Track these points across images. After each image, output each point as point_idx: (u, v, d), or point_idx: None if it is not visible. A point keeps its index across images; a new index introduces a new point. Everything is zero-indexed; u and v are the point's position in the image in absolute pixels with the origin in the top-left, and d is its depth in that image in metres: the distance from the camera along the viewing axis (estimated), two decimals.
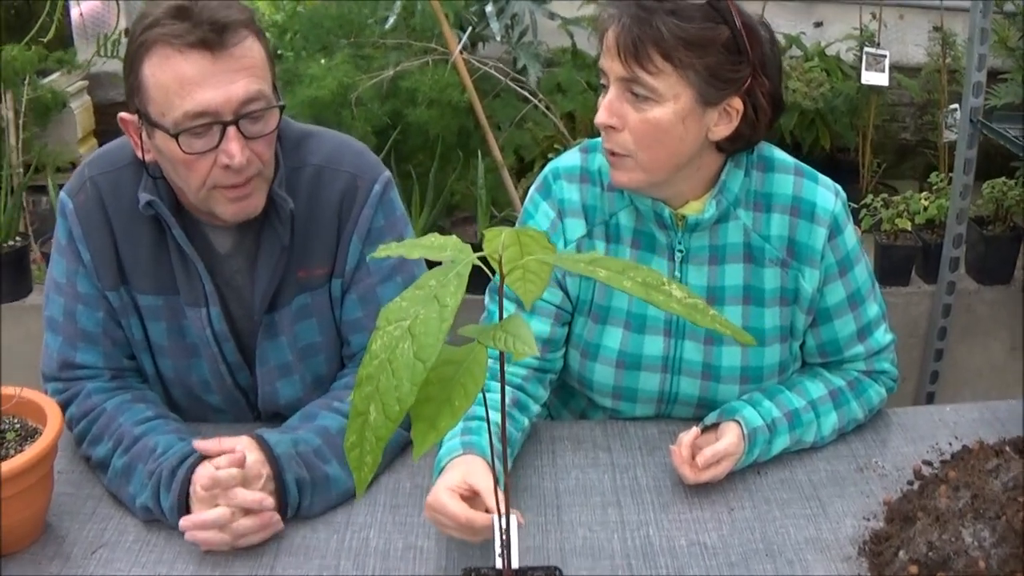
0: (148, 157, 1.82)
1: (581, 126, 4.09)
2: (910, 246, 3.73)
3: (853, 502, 1.85)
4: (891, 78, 4.12)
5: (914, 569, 1.63)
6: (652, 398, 2.02)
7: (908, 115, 4.87)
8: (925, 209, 3.69)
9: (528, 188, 3.98)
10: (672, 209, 1.91)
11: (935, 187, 3.79)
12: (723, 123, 1.83)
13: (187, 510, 1.72)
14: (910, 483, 1.90)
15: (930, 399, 3.71)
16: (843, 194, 1.98)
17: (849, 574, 1.68)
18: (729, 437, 1.85)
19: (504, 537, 1.36)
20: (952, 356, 3.75)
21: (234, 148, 1.73)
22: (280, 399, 2.00)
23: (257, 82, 1.75)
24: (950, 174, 3.67)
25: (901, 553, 1.67)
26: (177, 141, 1.71)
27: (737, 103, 1.81)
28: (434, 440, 1.06)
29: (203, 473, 1.70)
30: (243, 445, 1.74)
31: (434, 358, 1.03)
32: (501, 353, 1.23)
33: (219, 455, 1.72)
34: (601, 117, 1.82)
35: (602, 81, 1.84)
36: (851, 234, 1.98)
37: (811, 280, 1.94)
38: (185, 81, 1.69)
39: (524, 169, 4.07)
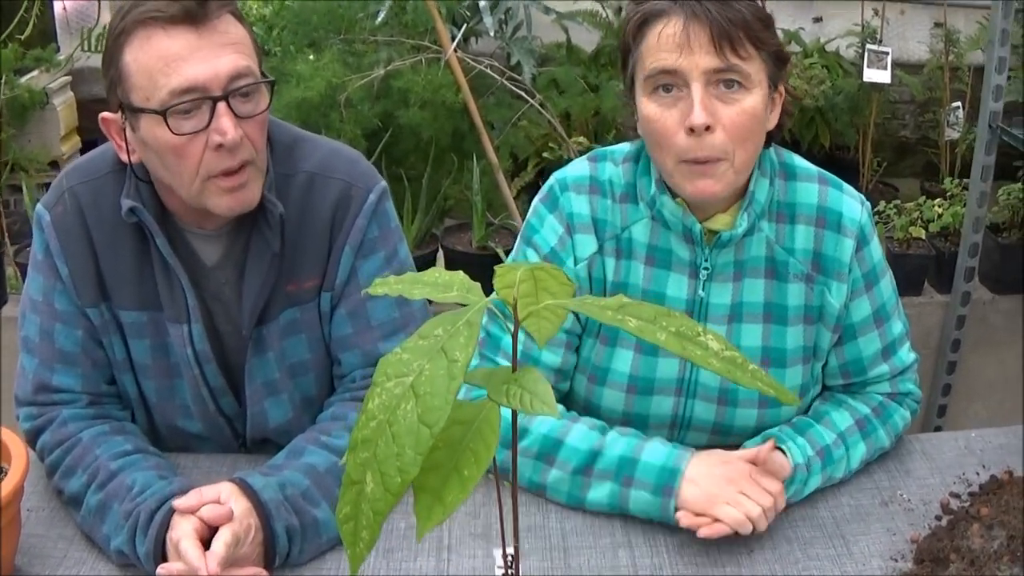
0: (133, 158, 1.71)
1: (577, 124, 3.97)
2: (923, 254, 3.61)
3: (879, 540, 1.73)
4: (892, 75, 4.01)
5: None
6: (664, 423, 1.90)
7: (908, 113, 4.76)
8: (939, 216, 3.57)
9: (522, 190, 3.99)
10: (700, 223, 1.79)
11: (949, 193, 3.67)
12: (774, 111, 1.74)
13: (164, 558, 1.59)
14: (938, 518, 1.79)
15: (942, 412, 3.59)
16: (868, 204, 1.87)
17: None
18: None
19: None
20: (964, 368, 3.63)
21: (226, 124, 1.63)
22: (269, 421, 1.89)
23: (245, 58, 1.66)
24: (965, 180, 3.55)
25: None
26: (166, 121, 1.61)
27: (782, 88, 1.74)
28: (440, 517, 0.94)
29: (183, 526, 1.57)
30: (226, 493, 1.61)
31: (442, 422, 0.91)
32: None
33: (199, 508, 1.59)
34: (700, 118, 1.64)
35: (660, 84, 1.68)
36: (877, 246, 1.88)
37: (838, 295, 1.83)
38: (170, 58, 1.60)
39: (518, 169, 3.95)
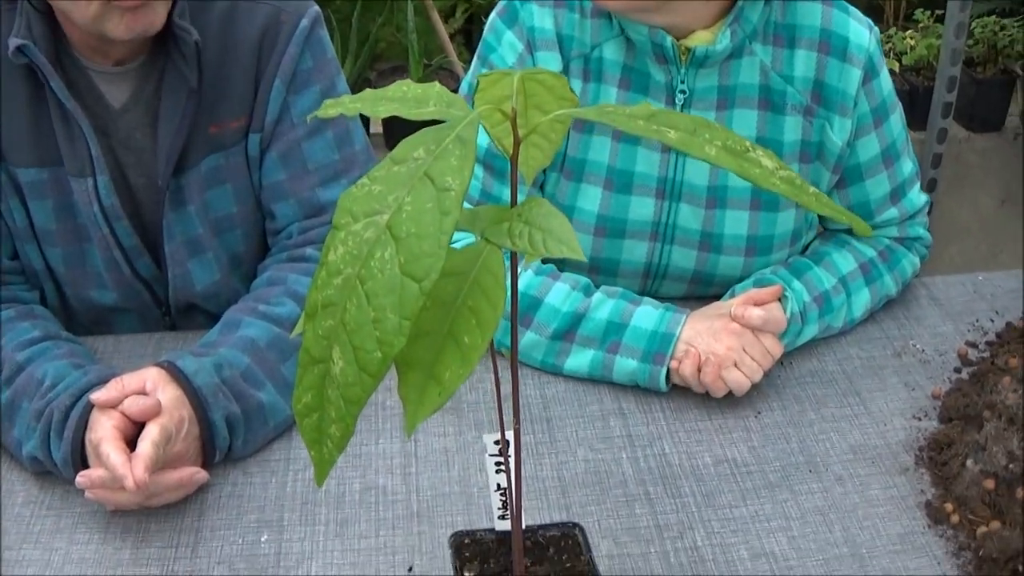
0: None
1: None
2: (896, 89, 3.37)
3: (897, 396, 1.54)
4: None
5: (990, 484, 1.34)
6: (637, 271, 1.68)
7: None
8: (912, 49, 3.33)
9: (452, 36, 3.70)
10: (675, 39, 1.54)
11: (921, 25, 3.43)
12: None
13: (84, 463, 1.34)
14: (957, 370, 1.60)
15: None
16: (876, 30, 1.64)
17: (912, 493, 1.38)
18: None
19: (509, 492, 1.02)
20: (939, 210, 3.44)
21: None
22: (194, 284, 1.66)
23: None
24: (939, 11, 3.31)
25: (969, 463, 1.37)
26: None
27: None
28: (437, 401, 0.70)
29: (103, 424, 1.32)
30: (152, 381, 1.36)
31: (435, 274, 0.66)
32: (513, 252, 0.87)
33: (121, 401, 1.34)
34: None
35: None
36: (887, 78, 1.65)
37: (840, 131, 1.60)
38: None
39: (446, 16, 3.66)
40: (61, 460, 1.35)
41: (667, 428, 1.47)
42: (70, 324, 1.65)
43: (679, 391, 1.52)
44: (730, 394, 1.49)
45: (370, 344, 0.66)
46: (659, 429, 1.47)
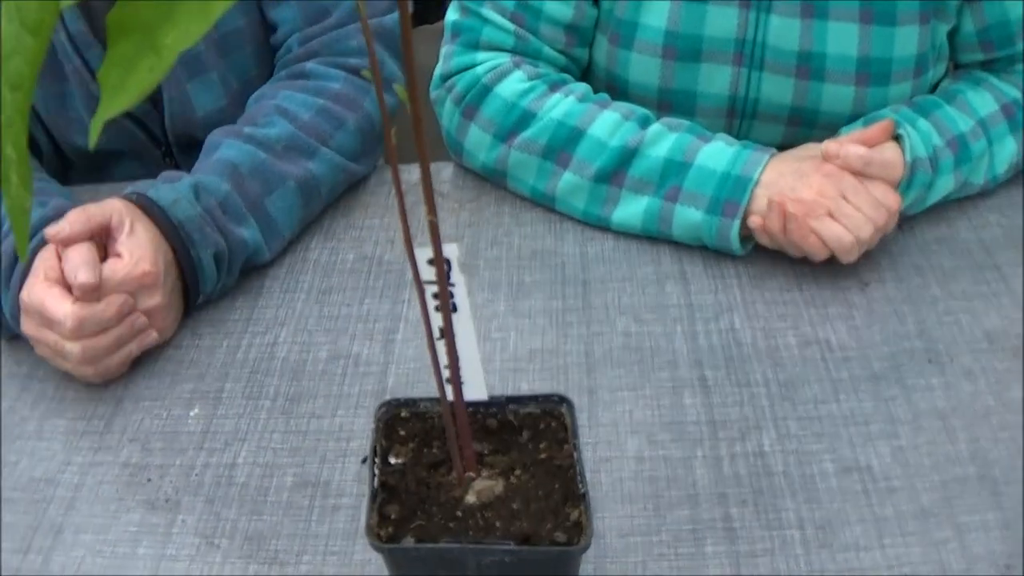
0: None
1: None
2: None
3: None
4: None
5: None
6: (719, 108, 1.31)
7: None
8: None
9: None
10: None
11: None
12: None
13: None
14: None
15: None
16: None
17: None
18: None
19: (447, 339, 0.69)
20: None
21: None
22: (196, 110, 1.38)
23: None
24: None
25: None
26: None
27: None
28: (148, 79, 0.38)
29: (45, 260, 1.06)
30: (119, 215, 1.08)
31: None
32: None
33: (85, 236, 1.07)
34: None
35: None
36: None
37: None
38: None
39: None
40: (9, 312, 1.10)
41: (741, 298, 1.13)
42: (67, 174, 1.45)
43: (763, 253, 1.17)
44: (833, 260, 1.14)
45: None
46: (730, 299, 1.13)
